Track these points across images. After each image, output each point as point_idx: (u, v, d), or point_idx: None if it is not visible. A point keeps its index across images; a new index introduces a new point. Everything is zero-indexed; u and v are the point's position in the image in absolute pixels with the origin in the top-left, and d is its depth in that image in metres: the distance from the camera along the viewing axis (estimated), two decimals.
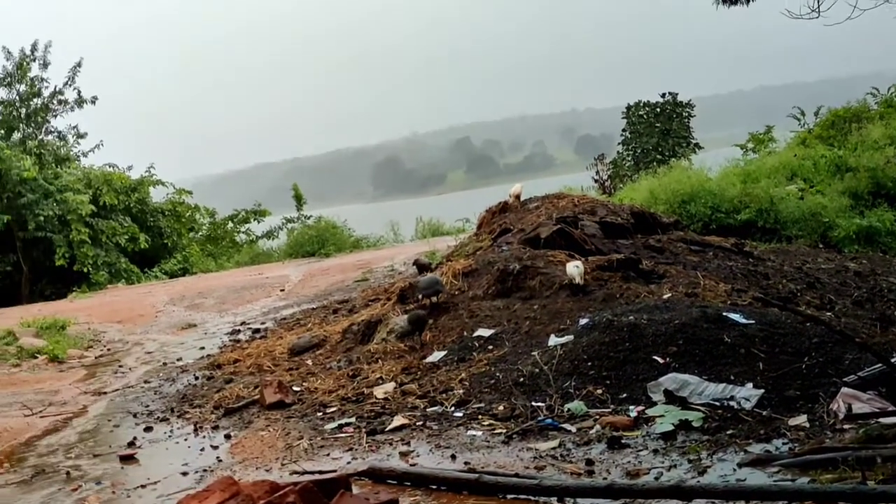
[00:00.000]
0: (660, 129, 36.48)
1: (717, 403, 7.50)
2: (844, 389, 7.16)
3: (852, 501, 4.91)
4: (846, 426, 6.70)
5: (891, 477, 5.45)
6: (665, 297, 10.30)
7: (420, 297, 11.69)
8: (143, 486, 7.67)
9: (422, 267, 14.17)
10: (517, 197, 16.01)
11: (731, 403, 7.46)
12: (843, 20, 10.82)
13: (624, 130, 37.78)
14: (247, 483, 4.04)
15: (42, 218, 27.42)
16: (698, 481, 5.88)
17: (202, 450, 8.56)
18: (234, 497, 3.82)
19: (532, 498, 5.93)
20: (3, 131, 31.68)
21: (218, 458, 8.18)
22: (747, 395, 7.53)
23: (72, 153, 33.44)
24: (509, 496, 6.01)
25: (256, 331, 15.09)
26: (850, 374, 7.52)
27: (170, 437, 9.26)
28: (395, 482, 6.44)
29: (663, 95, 37.79)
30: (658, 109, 37.24)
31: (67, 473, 8.37)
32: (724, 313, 9.09)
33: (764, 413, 7.23)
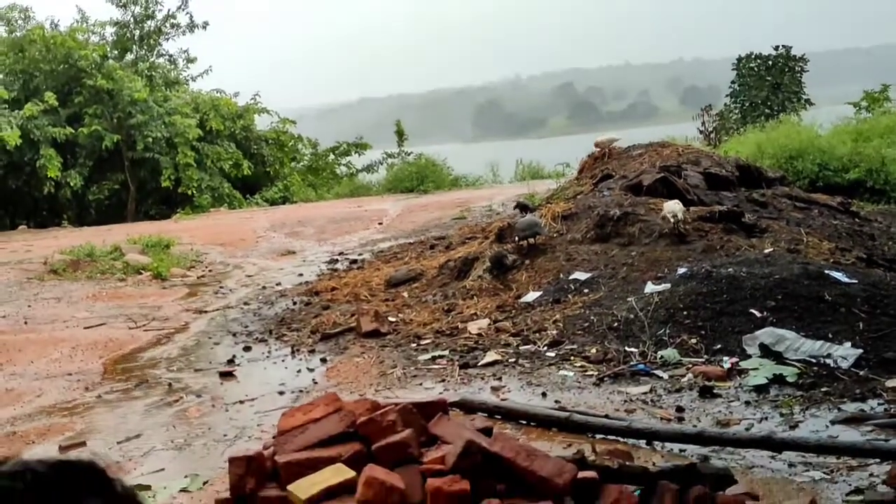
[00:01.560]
0: (770, 82, 35.55)
1: (813, 360, 7.45)
2: None
3: None
4: None
5: None
6: (766, 251, 10.17)
7: (518, 237, 11.72)
8: (240, 402, 7.94)
9: (523, 208, 14.18)
10: (602, 148, 15.98)
11: (828, 361, 7.40)
12: None
13: (733, 82, 36.90)
14: (349, 400, 4.19)
15: (150, 139, 28.01)
16: (789, 434, 5.88)
17: (298, 371, 8.81)
18: (337, 412, 3.96)
19: (620, 440, 5.99)
20: (116, 52, 32.30)
21: (314, 380, 8.42)
22: (845, 353, 7.45)
23: (181, 77, 34.04)
24: (598, 436, 6.08)
25: (354, 261, 15.31)
26: None
27: (267, 357, 9.53)
28: (485, 415, 6.55)
29: (776, 48, 36.77)
30: (770, 62, 36.25)
31: (169, 385, 8.69)
32: (826, 271, 8.96)
33: (861, 373, 7.17)
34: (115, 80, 28.27)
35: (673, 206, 11.01)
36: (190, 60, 33.98)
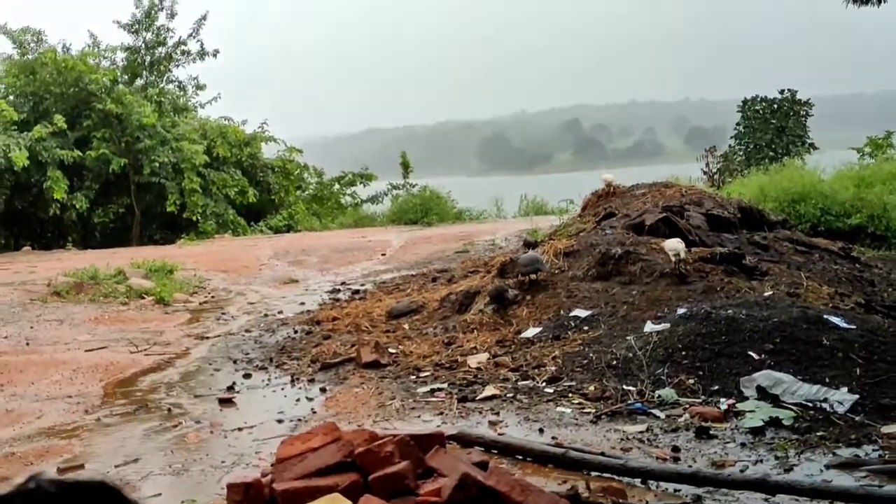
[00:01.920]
0: (775, 125, 35.75)
1: (810, 404, 7.49)
2: None
3: None
4: None
5: None
6: (766, 294, 10.23)
7: (519, 272, 11.80)
8: (239, 429, 7.98)
9: (528, 244, 14.28)
10: (608, 185, 16.19)
11: (824, 406, 7.45)
12: None
13: (738, 124, 37.11)
14: (348, 430, 4.24)
15: (157, 164, 28.16)
16: (784, 477, 5.92)
17: (298, 400, 8.85)
18: (335, 441, 4.02)
19: (616, 478, 6.03)
20: (127, 77, 32.51)
21: (312, 409, 8.46)
22: (841, 398, 7.50)
23: (190, 104, 34.24)
24: (593, 473, 6.11)
25: (356, 291, 15.37)
26: None
27: (267, 385, 9.58)
28: (482, 449, 6.59)
29: (781, 92, 37.00)
30: (775, 106, 36.48)
31: (169, 410, 8.74)
32: (825, 315, 9.02)
33: (857, 418, 7.21)
34: (124, 105, 28.48)
35: (675, 245, 11.10)
36: (199, 87, 34.18)
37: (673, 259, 10.95)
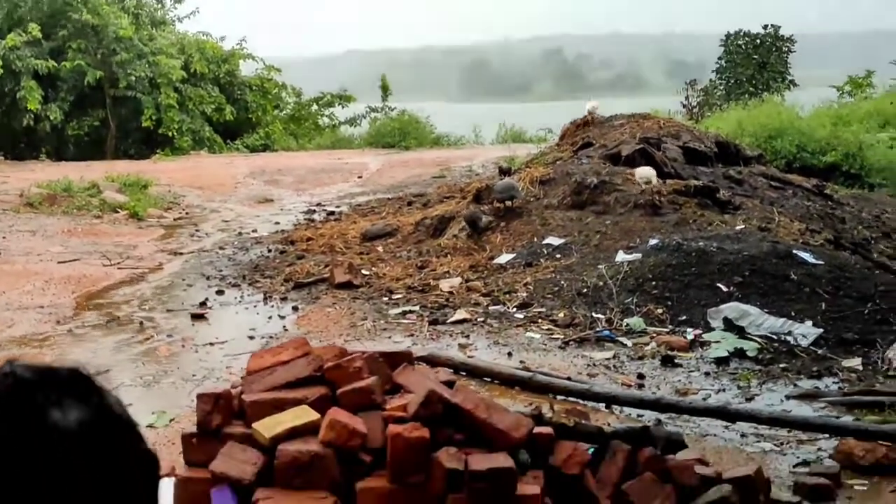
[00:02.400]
0: (757, 61, 35.65)
1: (775, 337, 7.63)
2: None
3: (891, 441, 5.03)
4: None
5: None
6: (738, 227, 10.33)
7: (494, 199, 11.83)
8: (210, 344, 8.04)
9: (503, 171, 14.28)
10: (590, 113, 16.12)
11: (788, 338, 7.59)
12: None
13: (720, 59, 37.00)
14: (318, 346, 4.30)
15: (133, 78, 27.75)
16: (744, 406, 6.05)
17: (270, 318, 8.91)
18: (305, 356, 4.07)
19: (581, 402, 6.13)
20: None
21: (284, 327, 8.52)
22: (805, 332, 7.64)
23: (168, 17, 33.64)
24: (559, 397, 6.22)
25: (331, 213, 15.36)
26: None
27: (240, 302, 9.62)
28: (451, 371, 6.67)
29: (765, 27, 36.84)
30: (758, 41, 36.35)
31: (141, 324, 8.78)
32: (794, 251, 9.13)
33: (819, 351, 7.36)
34: (100, 16, 27.97)
35: (646, 172, 11.18)
36: (178, 1, 33.62)
37: (644, 186, 11.03)
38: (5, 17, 28.38)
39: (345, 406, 3.88)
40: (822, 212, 12.66)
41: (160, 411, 6.20)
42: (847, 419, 5.68)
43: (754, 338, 7.60)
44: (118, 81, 27.99)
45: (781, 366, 7.09)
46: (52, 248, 12.39)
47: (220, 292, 9.99)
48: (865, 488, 4.78)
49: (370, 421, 3.83)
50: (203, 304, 9.49)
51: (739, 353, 7.31)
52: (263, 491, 3.73)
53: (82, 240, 13.09)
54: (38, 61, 26.88)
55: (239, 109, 30.84)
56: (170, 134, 27.87)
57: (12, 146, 28.53)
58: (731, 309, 8.00)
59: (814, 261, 8.92)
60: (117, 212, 15.09)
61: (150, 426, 5.94)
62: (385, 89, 33.66)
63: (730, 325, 7.81)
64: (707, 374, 6.98)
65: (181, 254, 12.31)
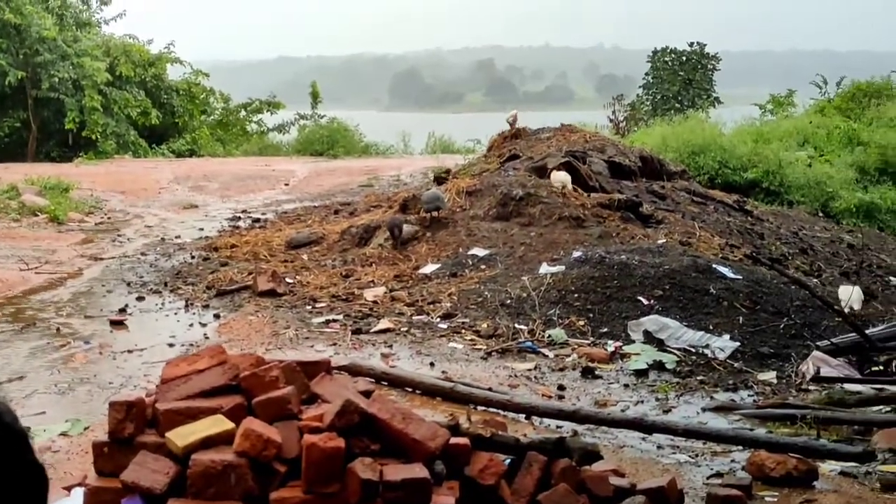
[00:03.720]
0: (683, 77, 36.31)
1: (693, 350, 7.76)
2: (816, 353, 7.40)
3: (802, 454, 5.14)
4: (811, 387, 6.96)
5: (844, 439, 5.69)
6: (660, 242, 10.49)
7: (421, 209, 11.87)
8: (129, 351, 7.92)
9: (439, 180, 14.33)
10: (513, 121, 16.35)
11: (706, 351, 7.73)
12: None
13: (647, 74, 37.61)
14: (235, 354, 4.26)
15: (56, 79, 27.29)
16: (661, 418, 6.13)
17: (191, 325, 8.81)
18: (221, 364, 4.02)
19: (501, 413, 6.16)
20: None
21: (205, 335, 8.43)
22: (723, 345, 7.78)
23: (93, 19, 33.13)
24: (480, 408, 6.24)
25: (257, 220, 15.25)
26: (825, 339, 7.76)
27: (160, 309, 9.49)
28: (373, 380, 6.66)
29: (691, 44, 37.57)
30: (684, 58, 37.04)
31: (58, 329, 8.62)
32: (714, 265, 9.31)
33: (736, 365, 7.51)
34: (23, 15, 27.44)
35: (561, 177, 11.42)
36: (104, 3, 33.13)
37: (559, 189, 11.23)
38: None
39: (260, 416, 3.84)
40: (742, 227, 12.90)
41: (74, 419, 6.09)
42: (760, 431, 5.79)
43: (673, 350, 7.72)
44: (41, 83, 27.50)
45: (699, 378, 7.21)
46: None
47: (140, 298, 9.85)
48: (776, 499, 4.87)
49: (286, 431, 3.80)
50: (123, 310, 9.35)
51: (658, 366, 7.42)
52: (175, 501, 3.67)
53: None
54: None
55: (165, 114, 30.50)
56: (93, 137, 27.45)
57: None
58: (652, 322, 8.12)
59: (732, 275, 9.09)
60: (37, 215, 14.81)
61: (64, 434, 5.84)
62: (315, 96, 33.53)
63: (650, 338, 7.93)
64: (626, 385, 7.06)
65: (102, 259, 12.12)
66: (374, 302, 9.37)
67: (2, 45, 27.39)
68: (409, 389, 6.70)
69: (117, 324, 8.88)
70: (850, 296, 9.01)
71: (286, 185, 20.21)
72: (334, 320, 8.78)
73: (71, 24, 30.50)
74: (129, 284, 10.55)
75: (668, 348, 7.77)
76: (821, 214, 16.92)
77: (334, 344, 8.08)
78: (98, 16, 33.09)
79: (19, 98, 28.08)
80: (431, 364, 7.51)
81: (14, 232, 13.68)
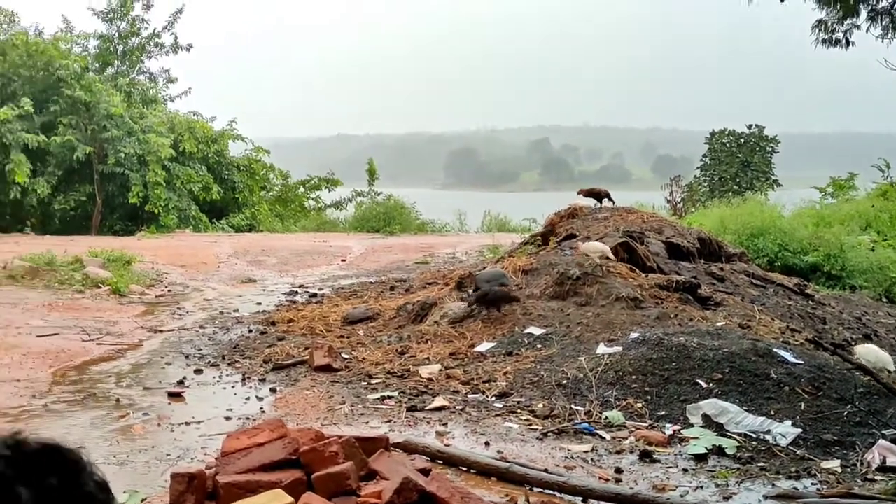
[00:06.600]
0: (741, 159, 36.21)
1: (754, 435, 7.60)
2: (882, 442, 7.21)
3: None
4: (877, 477, 6.77)
5: None
6: (718, 324, 10.37)
7: (477, 287, 11.86)
8: (186, 423, 7.95)
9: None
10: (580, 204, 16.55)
11: (767, 437, 7.56)
12: None
13: (705, 156, 37.56)
14: (294, 428, 4.26)
15: (122, 154, 27.99)
16: None
17: (247, 399, 8.84)
18: (281, 438, 4.04)
19: (557, 495, 6.08)
20: (98, 65, 32.33)
21: (262, 408, 8.45)
22: (784, 431, 7.62)
23: (160, 96, 34.07)
24: (535, 489, 6.16)
25: (314, 295, 15.36)
26: (891, 427, 7.58)
27: (218, 382, 9.55)
28: (427, 458, 6.62)
29: (749, 126, 37.52)
30: (742, 140, 36.97)
31: (117, 400, 8.69)
32: (775, 349, 9.15)
33: (798, 452, 7.33)
34: (93, 93, 28.30)
35: (598, 247, 11.32)
36: (170, 81, 34.08)
37: (597, 259, 11.20)
38: None
39: (319, 491, 3.84)
40: (803, 311, 12.72)
41: (132, 490, 6.10)
42: None
43: (733, 435, 7.57)
44: (107, 158, 28.23)
45: (760, 465, 7.05)
46: (31, 321, 12.32)
47: (198, 371, 9.93)
48: None
49: None
50: (181, 382, 9.43)
51: (718, 451, 7.28)
52: None
53: (63, 314, 13.03)
54: (29, 135, 27.12)
55: (226, 189, 31.07)
56: (156, 211, 28.00)
57: None
58: (711, 405, 7.99)
59: (794, 360, 8.93)
60: (99, 287, 15.05)
61: None
62: (372, 173, 33.99)
63: (709, 422, 7.79)
64: (685, 470, 6.94)
65: (161, 331, 12.26)
66: (430, 379, 9.34)
67: (72, 122, 28.18)
68: (464, 468, 6.65)
69: (175, 396, 8.94)
70: None
71: (343, 260, 20.37)
72: (389, 397, 8.76)
73: (138, 101, 31.40)
74: (187, 357, 10.65)
75: (728, 433, 7.62)
76: (885, 300, 16.62)
77: (389, 420, 8.04)
78: (164, 93, 34.06)
79: (86, 172, 28.80)
80: (486, 443, 7.45)
81: (77, 303, 13.92)
